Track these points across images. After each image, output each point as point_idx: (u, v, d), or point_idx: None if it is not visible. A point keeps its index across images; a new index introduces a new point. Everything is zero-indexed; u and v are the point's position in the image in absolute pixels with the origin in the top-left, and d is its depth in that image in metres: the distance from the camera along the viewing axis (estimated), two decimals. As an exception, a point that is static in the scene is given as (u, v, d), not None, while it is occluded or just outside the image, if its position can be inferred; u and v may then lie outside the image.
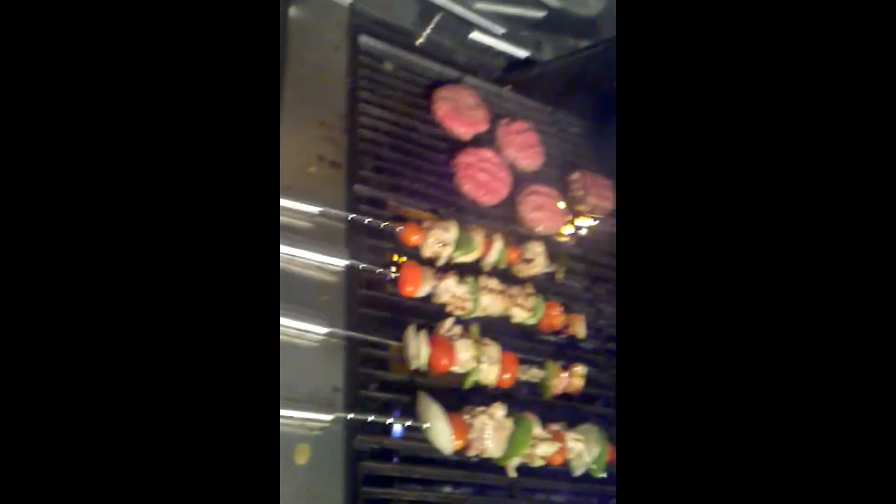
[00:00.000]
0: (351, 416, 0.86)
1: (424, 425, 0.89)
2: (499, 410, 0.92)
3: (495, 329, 1.11)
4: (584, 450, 0.99)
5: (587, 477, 1.04)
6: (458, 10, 1.45)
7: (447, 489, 0.98)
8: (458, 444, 0.90)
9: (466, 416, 0.92)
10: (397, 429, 0.96)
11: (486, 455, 0.92)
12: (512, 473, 0.94)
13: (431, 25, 1.38)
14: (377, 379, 0.96)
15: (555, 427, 0.99)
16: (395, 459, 0.94)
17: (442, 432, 0.88)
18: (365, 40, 1.27)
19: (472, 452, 0.91)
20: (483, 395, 1.00)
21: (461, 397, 0.99)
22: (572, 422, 1.03)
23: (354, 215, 1.02)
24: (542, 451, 0.94)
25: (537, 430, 0.95)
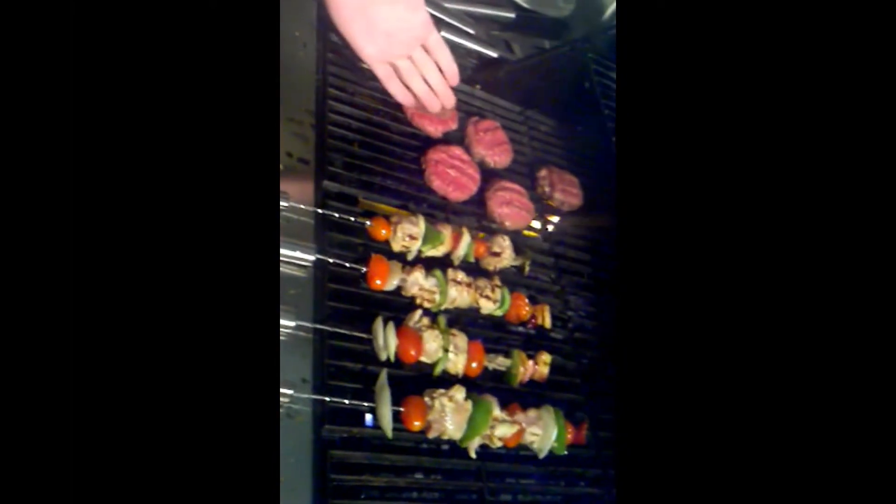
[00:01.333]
0: (316, 396, 0.89)
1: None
2: (458, 393, 0.95)
3: (465, 321, 1.15)
4: (543, 433, 1.03)
5: (554, 460, 1.08)
6: (428, 9, 1.48)
7: (418, 475, 1.01)
8: (418, 425, 0.93)
9: (427, 399, 0.95)
10: (369, 418, 0.99)
11: (446, 436, 0.95)
12: (472, 454, 0.98)
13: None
14: (346, 370, 0.98)
15: (514, 412, 1.03)
16: (367, 447, 0.96)
17: (384, 416, 0.91)
18: (335, 38, 1.29)
19: (432, 434, 0.94)
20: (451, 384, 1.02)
21: (433, 385, 1.01)
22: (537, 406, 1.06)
23: (323, 211, 1.04)
24: (501, 432, 0.98)
25: (496, 411, 0.98)
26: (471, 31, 1.55)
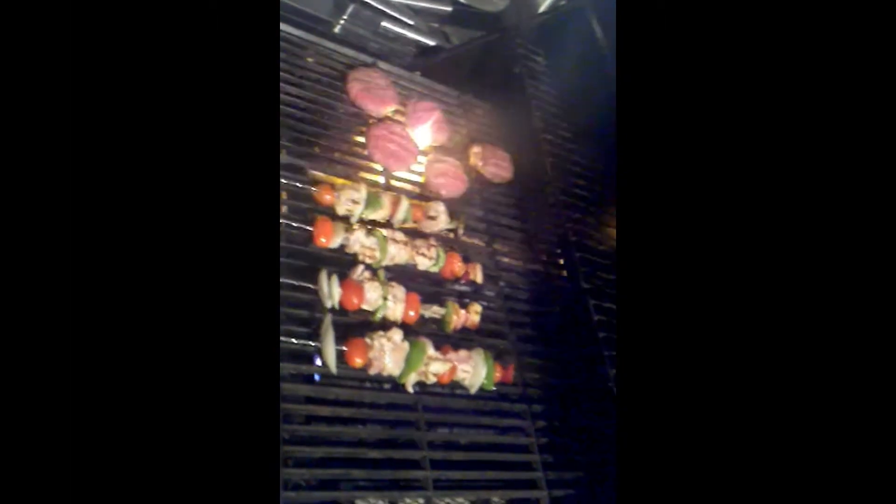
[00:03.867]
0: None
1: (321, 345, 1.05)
2: (396, 334, 1.09)
3: (404, 278, 1.28)
4: (473, 371, 1.17)
5: (484, 395, 1.23)
6: (371, 1, 1.62)
7: (362, 408, 1.14)
8: (359, 362, 1.06)
9: (367, 339, 1.08)
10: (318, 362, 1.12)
11: (386, 373, 1.09)
12: (409, 389, 1.12)
13: (345, 16, 1.54)
14: (295, 317, 1.11)
15: (447, 353, 1.17)
16: (315, 383, 1.09)
17: (328, 354, 1.04)
18: (283, 27, 1.41)
19: (373, 370, 1.08)
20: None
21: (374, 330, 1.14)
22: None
23: (272, 177, 1.16)
24: (435, 369, 1.12)
25: (430, 351, 1.12)
26: (411, 23, 1.69)
